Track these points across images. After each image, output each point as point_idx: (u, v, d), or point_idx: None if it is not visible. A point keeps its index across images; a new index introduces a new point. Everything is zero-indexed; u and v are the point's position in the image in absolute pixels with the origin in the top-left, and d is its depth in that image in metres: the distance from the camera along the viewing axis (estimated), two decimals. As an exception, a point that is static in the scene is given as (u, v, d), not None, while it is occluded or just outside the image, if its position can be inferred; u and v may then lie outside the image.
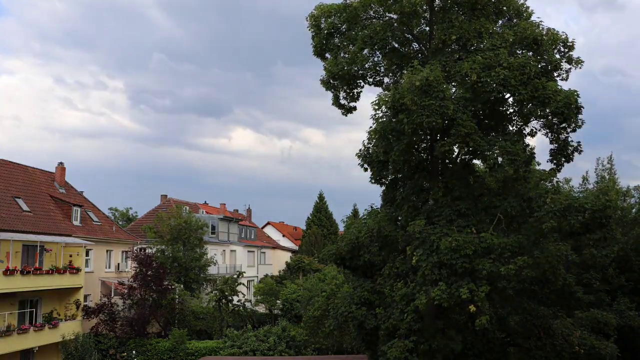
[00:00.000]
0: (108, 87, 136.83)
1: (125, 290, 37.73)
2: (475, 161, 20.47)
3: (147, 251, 40.24)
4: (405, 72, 19.16)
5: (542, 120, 18.62)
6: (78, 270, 34.72)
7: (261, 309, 46.52)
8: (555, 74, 18.59)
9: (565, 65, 18.70)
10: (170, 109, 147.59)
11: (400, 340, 18.45)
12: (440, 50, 19.58)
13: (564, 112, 17.53)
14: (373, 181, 20.30)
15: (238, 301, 42.79)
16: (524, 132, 19.54)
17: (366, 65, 21.16)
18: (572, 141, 18.68)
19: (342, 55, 21.09)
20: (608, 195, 18.68)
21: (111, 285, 39.63)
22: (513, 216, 18.17)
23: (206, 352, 34.27)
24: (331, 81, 21.23)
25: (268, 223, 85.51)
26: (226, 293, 41.63)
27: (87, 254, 37.36)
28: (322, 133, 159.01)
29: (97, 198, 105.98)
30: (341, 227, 44.11)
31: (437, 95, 16.78)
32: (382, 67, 21.55)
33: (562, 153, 18.79)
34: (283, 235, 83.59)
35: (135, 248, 42.05)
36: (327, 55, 21.41)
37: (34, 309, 32.69)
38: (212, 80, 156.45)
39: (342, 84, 21.32)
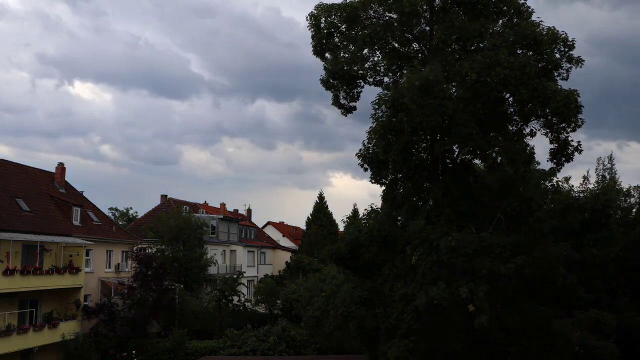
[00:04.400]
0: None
1: (125, 290, 37.72)
2: (475, 161, 20.45)
3: (147, 251, 40.23)
4: (405, 72, 19.15)
5: (542, 120, 18.59)
6: (78, 270, 34.72)
7: (261, 309, 46.49)
8: (556, 74, 18.57)
9: (565, 65, 18.70)
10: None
11: (400, 340, 18.43)
12: (440, 50, 19.57)
13: (563, 112, 17.50)
14: (373, 181, 20.27)
15: (238, 301, 42.77)
16: (524, 132, 19.52)
17: (366, 65, 21.13)
18: (572, 141, 18.68)
19: (342, 54, 21.06)
20: (608, 195, 18.67)
21: (111, 285, 39.60)
22: (513, 216, 18.15)
23: (206, 352, 34.26)
24: (331, 81, 21.20)
25: (268, 223, 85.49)
26: (226, 293, 41.62)
27: (87, 254, 37.36)
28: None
29: (97, 198, 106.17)
30: (341, 227, 44.08)
31: (436, 94, 16.76)
32: (382, 67, 21.52)
33: (562, 153, 18.76)
34: (283, 235, 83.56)
35: (135, 248, 42.04)
36: (327, 54, 21.39)
37: (34, 309, 32.68)
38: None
39: (341, 84, 21.29)
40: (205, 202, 65.81)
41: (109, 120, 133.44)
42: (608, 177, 35.15)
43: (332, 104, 21.90)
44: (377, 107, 18.44)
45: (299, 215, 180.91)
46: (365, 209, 22.01)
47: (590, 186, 31.11)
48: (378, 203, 21.42)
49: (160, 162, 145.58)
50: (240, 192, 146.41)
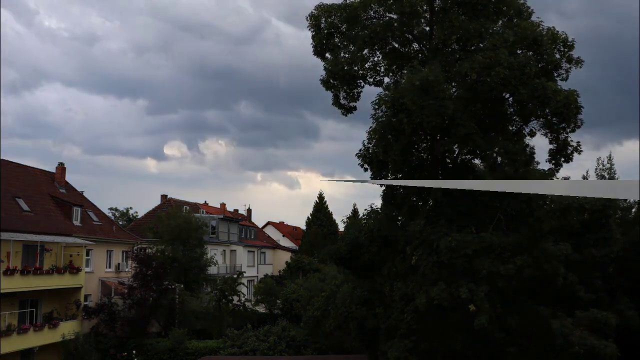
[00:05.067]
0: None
1: (125, 290, 37.73)
2: (475, 161, 20.49)
3: (147, 251, 40.23)
4: (405, 72, 19.18)
5: (542, 120, 18.64)
6: (78, 270, 34.71)
7: (261, 309, 46.50)
8: (555, 74, 18.62)
9: (565, 65, 18.73)
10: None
11: (400, 340, 18.45)
12: (440, 50, 19.60)
13: (563, 112, 17.55)
14: (373, 181, 20.30)
15: (238, 301, 42.77)
16: (524, 132, 19.57)
17: (366, 65, 21.19)
18: (571, 141, 18.71)
19: (342, 55, 21.09)
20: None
21: (111, 285, 39.60)
22: (513, 216, 18.19)
23: (206, 352, 34.26)
24: (331, 81, 21.24)
25: (268, 223, 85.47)
26: (226, 293, 41.62)
27: (87, 254, 37.34)
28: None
29: (97, 198, 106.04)
30: (341, 227, 44.11)
31: (436, 95, 16.79)
32: (382, 67, 21.59)
33: (562, 153, 18.80)
34: (283, 235, 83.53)
35: (135, 248, 42.03)
36: (327, 55, 21.42)
37: (34, 309, 32.67)
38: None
39: (342, 84, 21.33)
40: (205, 202, 65.85)
41: (77, 123, 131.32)
42: (607, 177, 35.14)
43: (332, 104, 21.94)
44: (377, 107, 18.48)
45: (283, 213, 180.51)
46: (366, 209, 22.08)
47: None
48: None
49: (139, 160, 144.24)
50: (225, 190, 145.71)
